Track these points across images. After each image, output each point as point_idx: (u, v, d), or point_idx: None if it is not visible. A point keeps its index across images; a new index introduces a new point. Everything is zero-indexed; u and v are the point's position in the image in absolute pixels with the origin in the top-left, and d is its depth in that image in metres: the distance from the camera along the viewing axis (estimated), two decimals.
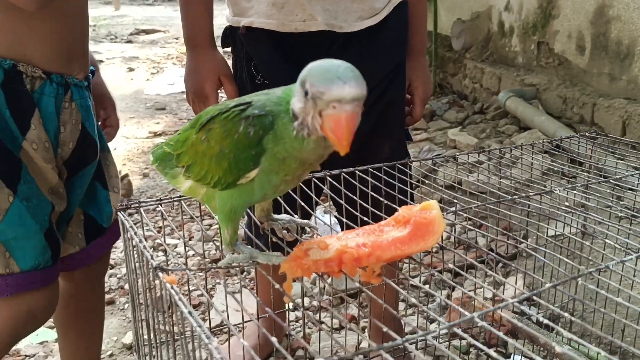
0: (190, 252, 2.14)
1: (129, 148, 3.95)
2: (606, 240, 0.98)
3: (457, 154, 1.28)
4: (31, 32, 1.12)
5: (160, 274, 0.65)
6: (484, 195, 1.14)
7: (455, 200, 1.12)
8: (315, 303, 1.98)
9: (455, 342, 1.65)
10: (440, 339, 1.43)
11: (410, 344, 0.59)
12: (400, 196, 1.08)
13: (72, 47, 1.21)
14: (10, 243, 1.11)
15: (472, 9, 4.64)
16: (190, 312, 0.57)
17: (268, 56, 1.40)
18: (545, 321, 0.63)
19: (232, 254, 0.80)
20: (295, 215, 0.95)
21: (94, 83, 1.34)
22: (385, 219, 0.98)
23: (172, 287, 0.63)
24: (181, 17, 1.49)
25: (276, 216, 0.92)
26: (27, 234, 1.12)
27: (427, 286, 1.96)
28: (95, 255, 1.32)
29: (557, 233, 1.17)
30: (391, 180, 1.12)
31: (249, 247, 0.81)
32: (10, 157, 1.11)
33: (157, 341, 0.86)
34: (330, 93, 0.64)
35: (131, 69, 6.74)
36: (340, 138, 0.65)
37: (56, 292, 1.24)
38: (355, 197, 1.05)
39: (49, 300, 1.21)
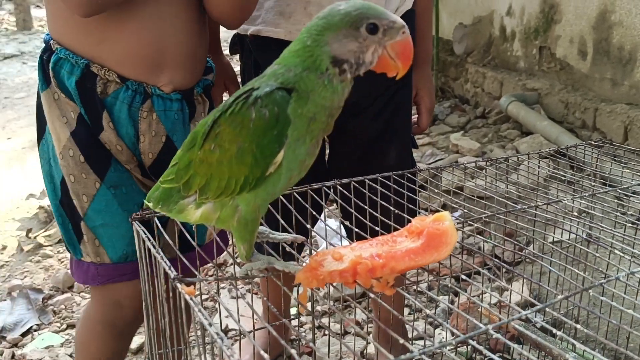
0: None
1: None
2: (613, 249, 0.99)
3: (465, 162, 1.29)
4: (108, 34, 1.09)
5: (178, 285, 0.66)
6: (487, 201, 1.15)
7: (460, 208, 1.14)
8: (319, 308, 1.99)
9: (461, 348, 1.66)
10: (447, 347, 1.44)
11: (422, 354, 0.60)
12: (409, 205, 1.10)
13: (159, 57, 1.13)
14: (99, 230, 1.12)
15: (474, 14, 4.66)
16: (210, 324, 0.58)
17: None
18: (559, 333, 0.64)
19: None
20: (307, 224, 0.96)
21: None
22: (395, 227, 1.00)
23: (191, 299, 0.64)
24: None
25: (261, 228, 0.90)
26: (114, 222, 1.12)
27: (432, 292, 1.97)
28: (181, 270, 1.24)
29: (562, 240, 1.18)
30: (400, 189, 1.13)
31: (263, 255, 0.81)
32: (99, 144, 1.12)
33: (170, 348, 0.86)
34: (399, 21, 0.71)
35: None
36: (409, 59, 0.72)
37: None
38: (365, 206, 1.06)
39: (137, 292, 1.17)
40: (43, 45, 1.16)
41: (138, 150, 1.16)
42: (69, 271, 1.31)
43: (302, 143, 0.73)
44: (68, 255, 2.42)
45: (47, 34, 1.15)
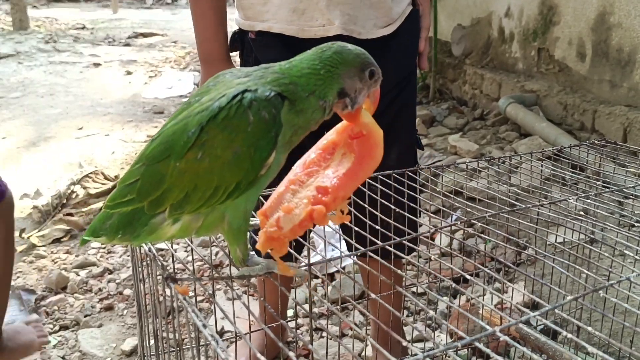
0: (191, 257, 2.12)
1: (127, 152, 3.92)
2: (618, 249, 0.96)
3: (467, 161, 1.27)
4: None
5: (172, 285, 0.64)
6: (487, 201, 1.13)
7: (462, 207, 1.11)
8: (316, 310, 1.96)
9: (460, 351, 1.63)
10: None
11: (427, 356, 0.58)
12: (410, 203, 1.07)
13: None
14: None
15: (473, 15, 4.64)
16: (204, 325, 0.55)
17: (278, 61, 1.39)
18: (569, 335, 0.61)
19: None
20: None
21: None
22: (395, 225, 0.97)
23: (184, 298, 0.61)
24: (195, 33, 1.47)
25: None
26: None
27: (431, 292, 1.94)
28: None
29: (565, 240, 1.16)
30: (400, 188, 1.11)
31: (262, 259, 0.79)
32: None
33: (164, 350, 0.84)
34: (380, 71, 0.80)
35: (129, 72, 6.72)
36: (377, 103, 0.82)
37: None
38: (364, 204, 1.04)
39: None
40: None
41: None
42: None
43: (282, 150, 0.76)
44: (61, 256, 2.35)
45: None
